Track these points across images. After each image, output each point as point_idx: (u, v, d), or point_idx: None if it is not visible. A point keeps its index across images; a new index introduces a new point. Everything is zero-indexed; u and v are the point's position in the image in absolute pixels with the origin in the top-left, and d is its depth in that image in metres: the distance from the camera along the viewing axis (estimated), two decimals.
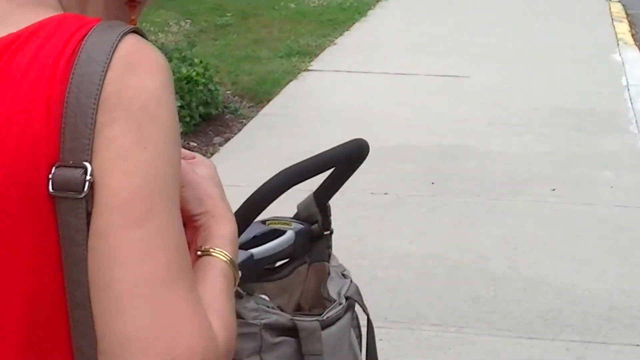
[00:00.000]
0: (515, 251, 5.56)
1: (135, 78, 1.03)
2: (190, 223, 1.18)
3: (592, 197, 6.49)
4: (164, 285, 0.99)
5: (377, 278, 5.15)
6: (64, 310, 1.01)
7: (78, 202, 0.99)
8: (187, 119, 7.83)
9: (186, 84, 7.99)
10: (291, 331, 1.95)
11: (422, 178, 6.90)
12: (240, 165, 7.05)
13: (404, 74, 10.28)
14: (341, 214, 5.96)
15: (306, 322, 1.98)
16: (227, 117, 8.57)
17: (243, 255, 2.01)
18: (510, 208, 6.32)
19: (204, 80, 8.20)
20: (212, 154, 7.52)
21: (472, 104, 9.00)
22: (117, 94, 1.02)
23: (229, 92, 9.45)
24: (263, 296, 2.07)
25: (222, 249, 1.17)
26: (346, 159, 2.18)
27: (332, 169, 2.19)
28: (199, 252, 1.16)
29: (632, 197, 6.49)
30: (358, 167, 2.21)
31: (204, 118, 8.16)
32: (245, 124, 8.44)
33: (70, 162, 0.99)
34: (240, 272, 1.20)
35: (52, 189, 1.00)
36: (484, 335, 4.53)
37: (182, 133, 7.60)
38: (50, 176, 1.00)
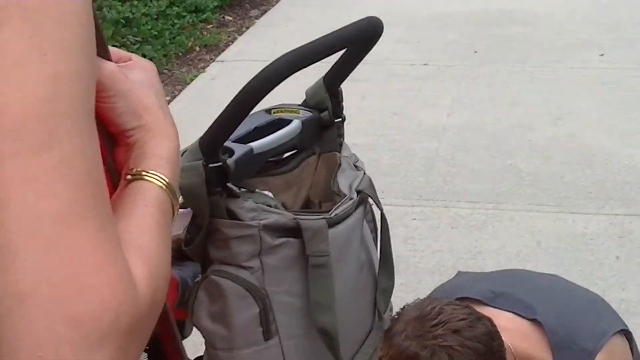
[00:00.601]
0: (559, 121, 5.37)
1: None
2: (123, 140, 0.98)
3: None
4: (67, 226, 0.80)
5: (413, 153, 5.00)
6: None
7: None
8: None
9: None
10: (294, 231, 1.81)
11: (465, 47, 6.68)
12: (276, 39, 6.87)
13: None
14: (378, 86, 5.80)
15: (311, 220, 1.83)
16: None
17: (242, 149, 1.88)
18: (555, 76, 6.10)
19: None
20: (247, 28, 7.34)
21: None
22: None
23: None
24: (266, 192, 1.93)
25: (157, 171, 0.96)
26: (358, 39, 2.00)
27: (343, 51, 2.02)
28: (129, 176, 0.96)
29: None
30: (371, 47, 2.04)
31: None
32: None
33: None
34: (181, 198, 1.00)
35: None
36: (523, 212, 4.38)
37: (216, 7, 7.41)
38: None
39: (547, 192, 4.55)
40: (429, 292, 3.75)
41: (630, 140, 5.08)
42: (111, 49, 1.02)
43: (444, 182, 4.68)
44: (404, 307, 1.89)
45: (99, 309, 0.81)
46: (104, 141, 0.93)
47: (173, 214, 0.98)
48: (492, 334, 1.80)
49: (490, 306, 2.04)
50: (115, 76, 0.98)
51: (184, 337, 2.00)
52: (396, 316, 1.86)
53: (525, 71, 6.17)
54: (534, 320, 2.05)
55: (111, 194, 0.94)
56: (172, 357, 1.09)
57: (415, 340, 1.76)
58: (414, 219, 4.31)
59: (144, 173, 0.96)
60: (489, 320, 1.83)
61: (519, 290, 2.12)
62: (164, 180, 0.96)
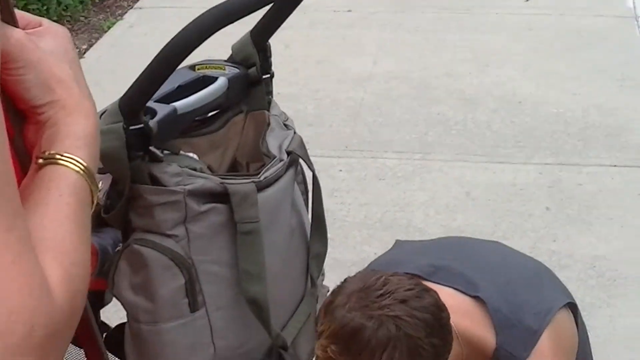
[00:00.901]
0: (487, 68, 5.32)
1: None
2: (34, 117, 0.88)
3: (568, 7, 6.20)
4: None
5: (338, 102, 4.91)
6: None
7: None
8: None
9: None
10: (221, 196, 1.72)
11: None
12: None
13: None
14: (301, 34, 5.68)
15: (239, 184, 1.73)
16: None
17: (165, 109, 1.76)
18: (481, 22, 6.03)
19: None
20: None
21: None
22: None
23: None
24: (191, 154, 1.82)
25: (73, 153, 0.86)
26: None
27: (270, 5, 1.91)
28: (40, 160, 0.85)
29: (610, 5, 6.20)
30: (300, 1, 1.93)
31: None
32: None
33: None
34: (101, 183, 0.89)
35: None
36: (452, 162, 4.32)
37: None
38: None
39: (475, 142, 4.50)
40: (357, 247, 3.70)
41: (558, 88, 5.05)
42: (18, 13, 0.90)
43: (370, 132, 4.60)
44: (345, 279, 1.79)
45: (7, 322, 0.70)
46: (11, 119, 0.83)
47: (92, 201, 0.87)
48: (440, 306, 1.72)
49: (430, 281, 1.95)
50: (23, 44, 0.87)
51: (102, 306, 1.90)
52: (336, 289, 1.77)
53: (451, 17, 6.09)
54: (476, 297, 1.97)
55: (20, 180, 0.83)
56: (90, 352, 0.98)
57: (360, 311, 1.66)
58: (340, 170, 4.23)
59: (57, 156, 0.85)
60: (435, 292, 1.74)
61: (461, 263, 2.04)
62: (81, 164, 0.86)
